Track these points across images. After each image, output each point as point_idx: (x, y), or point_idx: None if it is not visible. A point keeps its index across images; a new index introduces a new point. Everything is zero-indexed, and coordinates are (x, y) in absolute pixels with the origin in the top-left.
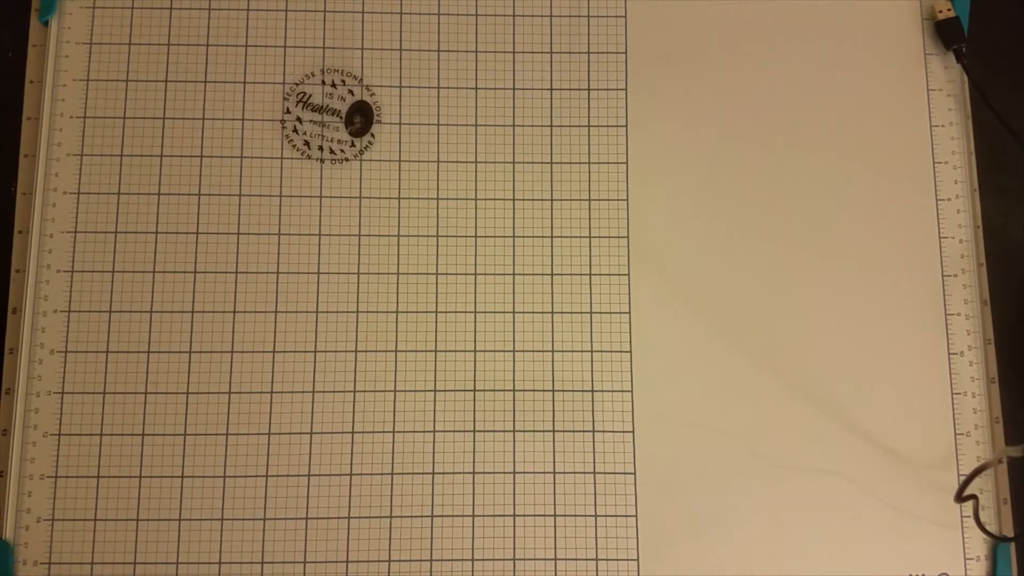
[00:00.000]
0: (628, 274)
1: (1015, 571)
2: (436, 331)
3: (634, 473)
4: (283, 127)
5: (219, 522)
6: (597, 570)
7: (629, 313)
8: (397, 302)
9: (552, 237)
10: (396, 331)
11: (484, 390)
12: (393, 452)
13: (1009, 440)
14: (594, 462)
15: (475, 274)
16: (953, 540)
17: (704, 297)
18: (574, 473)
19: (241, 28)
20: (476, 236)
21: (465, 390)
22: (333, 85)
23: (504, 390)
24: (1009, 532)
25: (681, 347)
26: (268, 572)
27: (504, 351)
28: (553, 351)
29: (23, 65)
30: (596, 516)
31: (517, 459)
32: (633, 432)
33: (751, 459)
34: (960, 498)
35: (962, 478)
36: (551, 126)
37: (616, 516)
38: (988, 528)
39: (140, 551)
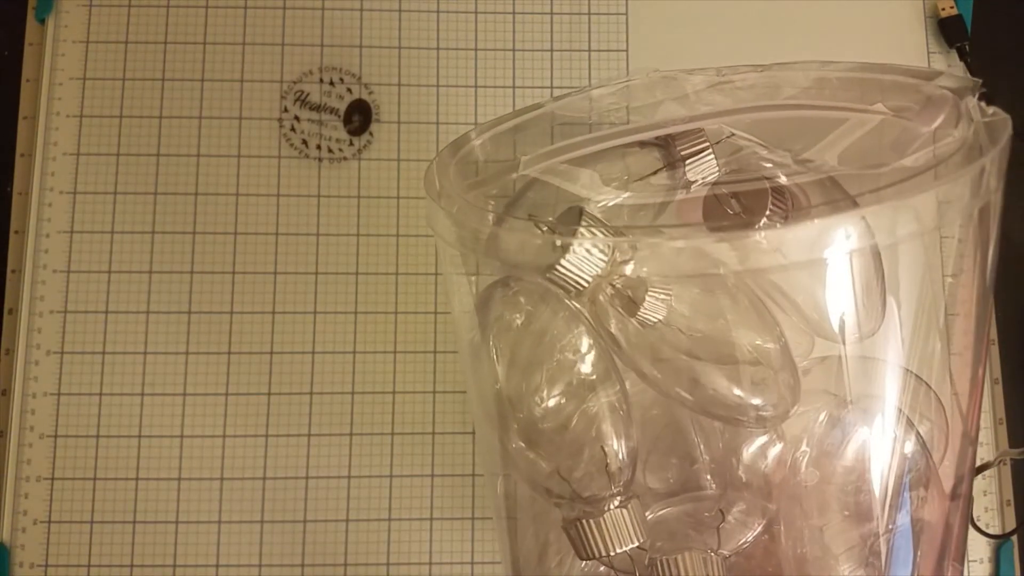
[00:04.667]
0: None
1: (1018, 572)
2: (435, 333)
3: None
4: (281, 126)
5: (216, 524)
6: None
7: None
8: (396, 302)
9: None
10: (395, 332)
11: None
12: (392, 455)
13: (1013, 442)
14: None
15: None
16: None
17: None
18: None
19: (239, 26)
20: None
21: (463, 392)
22: (331, 83)
23: None
24: None
25: None
26: (266, 575)
27: None
28: None
29: (20, 63)
30: None
31: None
32: None
33: None
34: None
35: None
36: None
37: None
38: (990, 530)
39: (137, 553)
